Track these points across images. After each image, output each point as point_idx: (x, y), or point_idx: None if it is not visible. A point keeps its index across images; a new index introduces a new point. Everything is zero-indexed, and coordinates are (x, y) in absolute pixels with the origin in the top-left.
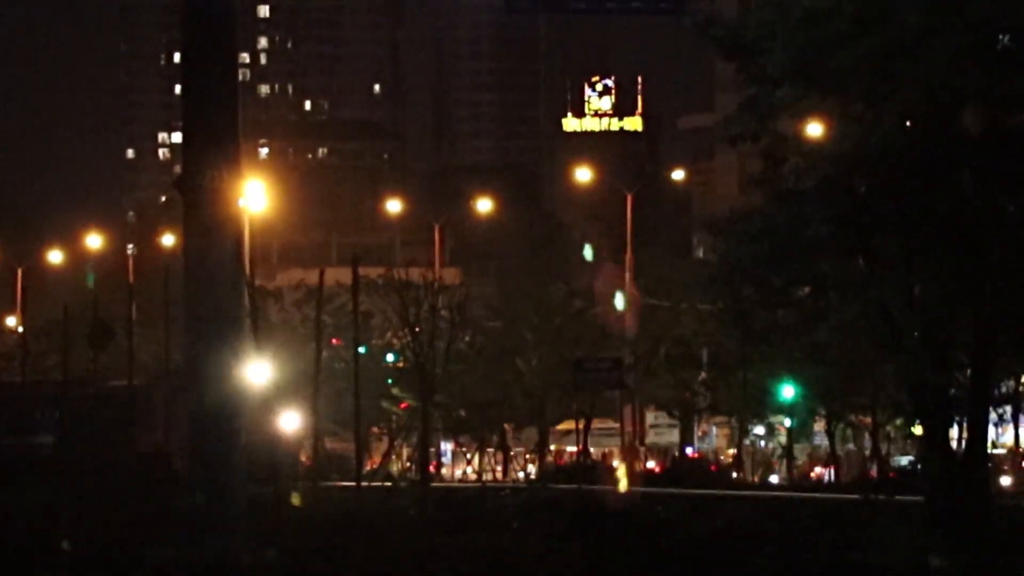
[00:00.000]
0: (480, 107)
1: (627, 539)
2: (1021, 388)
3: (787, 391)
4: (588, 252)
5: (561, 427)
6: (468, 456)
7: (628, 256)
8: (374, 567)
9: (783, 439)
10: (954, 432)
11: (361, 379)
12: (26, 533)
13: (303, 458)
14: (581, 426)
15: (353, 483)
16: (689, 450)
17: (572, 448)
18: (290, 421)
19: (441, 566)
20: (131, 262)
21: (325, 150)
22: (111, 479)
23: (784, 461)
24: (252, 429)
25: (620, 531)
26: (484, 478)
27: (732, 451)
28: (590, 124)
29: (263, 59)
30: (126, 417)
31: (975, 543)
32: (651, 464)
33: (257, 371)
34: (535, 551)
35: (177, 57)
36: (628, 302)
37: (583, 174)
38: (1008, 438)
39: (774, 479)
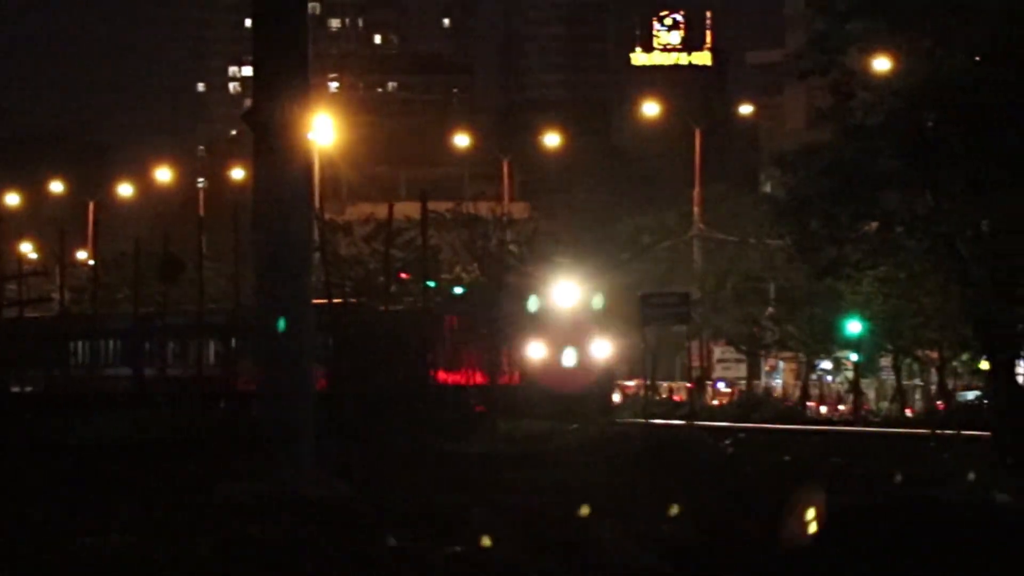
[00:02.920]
0: (549, 41)
1: (693, 473)
2: None
3: (854, 326)
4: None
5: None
6: None
7: (696, 191)
8: (440, 500)
9: (850, 374)
10: (1021, 368)
11: None
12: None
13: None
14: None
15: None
16: (721, 385)
17: (630, 384)
18: (601, 350)
19: (505, 498)
20: (201, 196)
21: (394, 84)
22: (386, 415)
23: (851, 396)
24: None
25: (687, 465)
26: None
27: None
28: (659, 59)
29: None
30: (416, 345)
31: None
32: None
33: (565, 294)
34: (601, 484)
35: None
36: None
37: (651, 109)
38: None
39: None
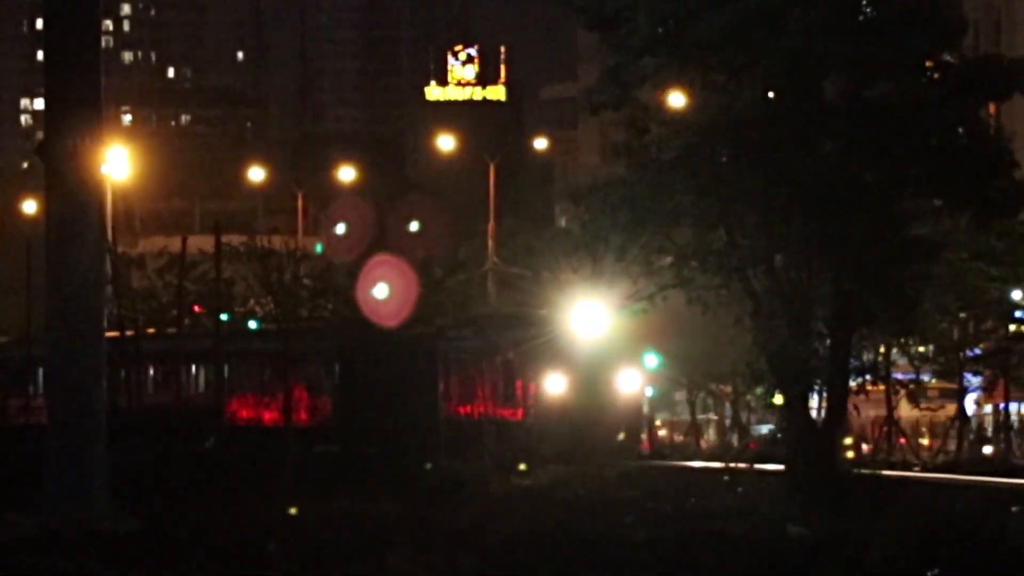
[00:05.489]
0: (343, 75)
1: (497, 511)
2: (880, 358)
3: (649, 360)
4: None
5: None
6: None
7: (491, 225)
8: (230, 533)
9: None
10: (814, 402)
11: None
12: None
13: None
14: None
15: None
16: None
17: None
18: (631, 382)
19: (295, 525)
20: None
21: (188, 117)
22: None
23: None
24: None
25: (492, 503)
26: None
27: None
28: (453, 93)
29: (126, 26)
30: (425, 374)
31: (833, 511)
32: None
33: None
34: (376, 514)
35: (40, 23)
36: None
37: (446, 143)
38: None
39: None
